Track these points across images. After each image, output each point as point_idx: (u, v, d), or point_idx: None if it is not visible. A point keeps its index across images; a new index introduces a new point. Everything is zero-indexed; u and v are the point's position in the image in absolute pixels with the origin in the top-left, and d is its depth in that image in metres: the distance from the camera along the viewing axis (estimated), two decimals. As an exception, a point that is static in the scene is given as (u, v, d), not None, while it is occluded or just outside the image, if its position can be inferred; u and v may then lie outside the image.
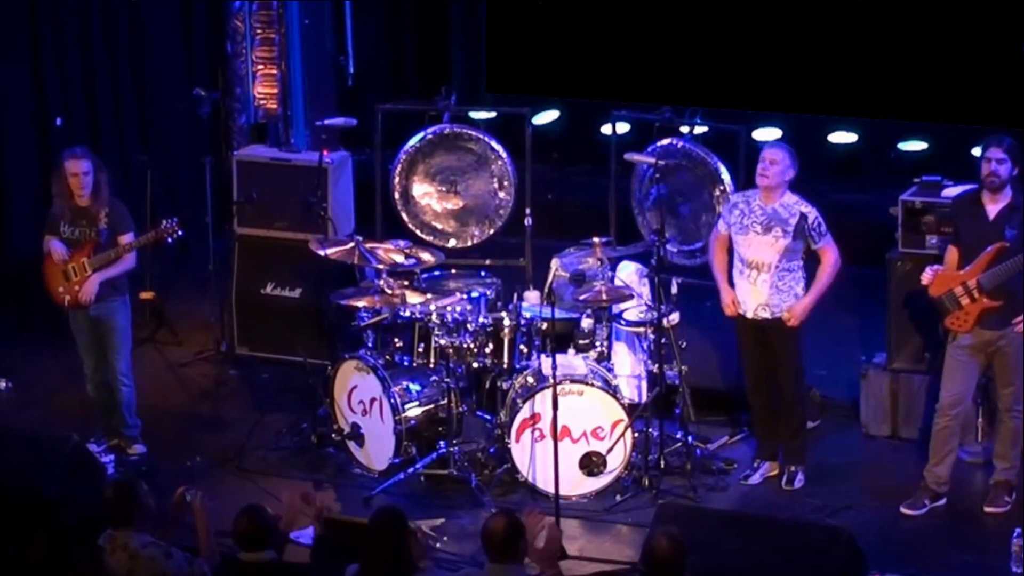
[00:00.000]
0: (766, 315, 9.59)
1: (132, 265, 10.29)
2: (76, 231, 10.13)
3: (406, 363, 10.13)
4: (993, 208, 9.17)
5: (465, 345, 10.00)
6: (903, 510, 9.36)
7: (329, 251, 10.28)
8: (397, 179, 11.59)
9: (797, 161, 9.55)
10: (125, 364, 10.35)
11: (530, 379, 9.88)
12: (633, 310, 10.25)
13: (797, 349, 9.69)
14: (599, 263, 10.13)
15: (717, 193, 10.85)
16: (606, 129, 12.14)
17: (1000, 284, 9.07)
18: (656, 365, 9.96)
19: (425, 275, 10.58)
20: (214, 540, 7.79)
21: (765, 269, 9.54)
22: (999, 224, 9.11)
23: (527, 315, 10.11)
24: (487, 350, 10.04)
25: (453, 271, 10.89)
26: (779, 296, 9.56)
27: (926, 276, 9.34)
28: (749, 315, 9.65)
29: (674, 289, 10.35)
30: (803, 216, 9.48)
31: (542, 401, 9.61)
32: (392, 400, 9.86)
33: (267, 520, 7.36)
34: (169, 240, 10.29)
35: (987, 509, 9.39)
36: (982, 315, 9.15)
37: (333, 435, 10.20)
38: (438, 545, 8.95)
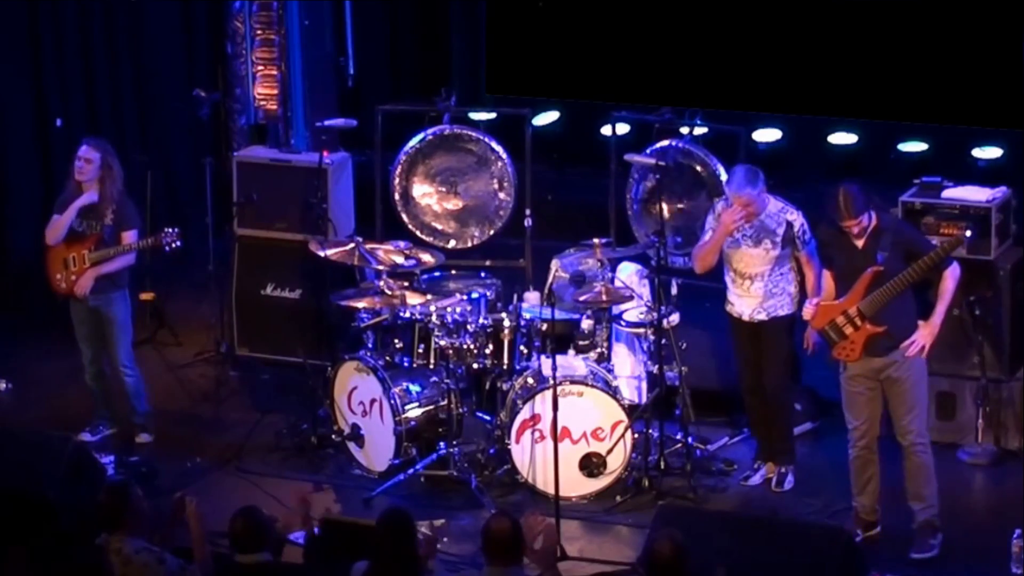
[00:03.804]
0: (762, 317, 9.63)
1: (131, 261, 10.45)
2: (83, 223, 10.34)
3: (406, 364, 10.13)
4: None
5: (465, 346, 10.00)
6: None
7: (329, 252, 10.28)
8: (397, 180, 11.57)
9: (761, 177, 9.44)
10: (126, 355, 10.50)
11: (530, 380, 9.88)
12: (633, 311, 10.25)
13: (786, 349, 9.71)
14: (599, 264, 10.12)
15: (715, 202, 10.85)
16: (606, 130, 12.13)
17: (880, 309, 8.84)
18: (656, 366, 9.95)
19: (425, 276, 10.59)
20: (208, 547, 7.77)
21: (759, 278, 9.55)
22: (869, 250, 8.87)
23: (527, 316, 10.11)
24: (487, 351, 10.04)
25: (453, 272, 10.89)
26: (773, 299, 9.59)
27: (807, 310, 9.09)
28: (745, 317, 9.67)
29: (674, 290, 10.35)
30: (789, 225, 9.48)
31: (542, 402, 9.61)
32: (392, 401, 9.86)
33: (262, 521, 7.35)
34: (167, 249, 10.47)
35: (913, 555, 8.97)
36: (868, 342, 8.91)
37: (333, 436, 10.21)
38: (438, 546, 8.94)
